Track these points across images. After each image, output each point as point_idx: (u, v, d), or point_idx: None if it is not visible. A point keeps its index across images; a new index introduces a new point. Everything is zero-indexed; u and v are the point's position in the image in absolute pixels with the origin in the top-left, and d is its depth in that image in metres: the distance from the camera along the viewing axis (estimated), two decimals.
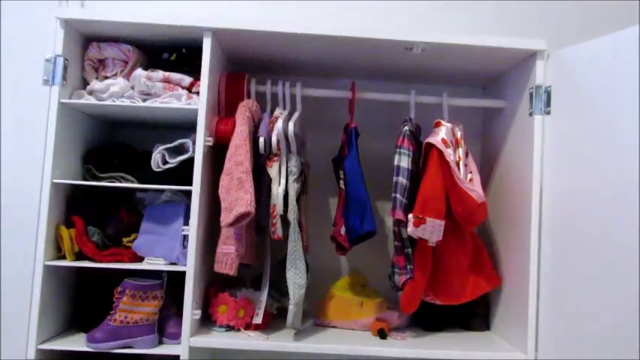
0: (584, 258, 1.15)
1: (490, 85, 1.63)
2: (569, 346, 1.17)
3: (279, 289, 1.38)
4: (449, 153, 1.28)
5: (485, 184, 1.49)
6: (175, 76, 1.32)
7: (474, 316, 1.47)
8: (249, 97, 1.40)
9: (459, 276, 1.36)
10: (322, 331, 1.38)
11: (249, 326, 1.33)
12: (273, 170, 1.33)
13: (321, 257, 1.53)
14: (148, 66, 1.40)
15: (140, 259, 1.33)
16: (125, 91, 1.32)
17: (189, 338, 1.22)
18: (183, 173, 1.28)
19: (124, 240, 1.35)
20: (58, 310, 1.32)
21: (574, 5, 1.71)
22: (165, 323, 1.33)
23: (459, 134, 1.36)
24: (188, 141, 1.31)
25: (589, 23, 1.68)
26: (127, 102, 1.31)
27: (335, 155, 1.49)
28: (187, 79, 1.33)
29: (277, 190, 1.31)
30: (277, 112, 1.38)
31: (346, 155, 1.38)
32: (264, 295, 1.33)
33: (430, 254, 1.32)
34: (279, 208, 1.29)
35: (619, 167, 1.10)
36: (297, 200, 1.31)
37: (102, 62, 1.39)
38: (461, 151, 1.34)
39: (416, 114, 1.41)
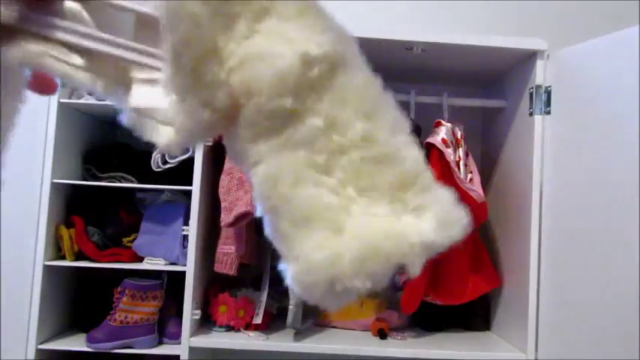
0: (585, 258, 1.15)
1: (490, 85, 1.63)
2: (569, 347, 1.17)
3: (279, 289, 1.39)
4: (449, 153, 1.28)
5: (485, 184, 1.49)
6: None
7: (474, 316, 1.47)
8: None
9: (459, 276, 1.36)
10: (322, 331, 1.38)
11: (249, 326, 1.33)
12: None
13: None
14: None
15: (140, 259, 1.33)
16: None
17: (189, 338, 1.22)
18: (183, 173, 1.28)
19: (124, 240, 1.35)
20: (58, 310, 1.32)
21: (574, 5, 1.71)
22: (166, 323, 1.33)
23: (459, 134, 1.36)
24: None
25: (589, 23, 1.68)
26: None
27: None
28: None
29: None
30: None
31: None
32: (264, 295, 1.33)
33: None
34: None
35: (619, 167, 1.10)
36: None
37: None
38: (461, 151, 1.34)
39: (416, 114, 1.41)
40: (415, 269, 0.26)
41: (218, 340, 1.27)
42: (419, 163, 0.29)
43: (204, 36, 0.26)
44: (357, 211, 0.26)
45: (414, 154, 0.29)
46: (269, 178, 0.27)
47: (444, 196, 0.29)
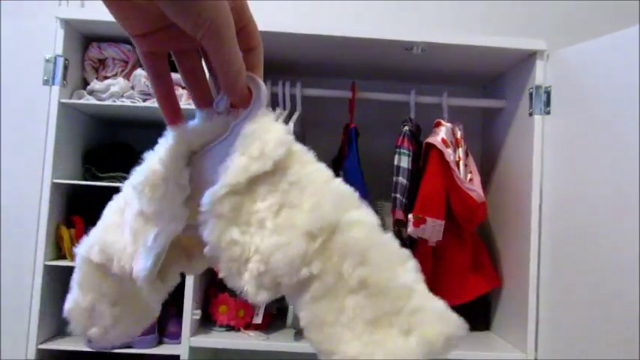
0: (584, 258, 1.15)
1: (490, 85, 1.63)
2: (569, 346, 1.17)
3: None
4: (449, 153, 1.28)
5: (485, 184, 1.49)
6: (175, 76, 1.32)
7: (474, 316, 1.47)
8: None
9: (458, 276, 1.36)
10: None
11: (249, 326, 1.33)
12: None
13: None
14: None
15: None
16: (125, 91, 1.32)
17: (189, 338, 1.23)
18: None
19: None
20: (58, 310, 1.32)
21: (574, 5, 1.71)
22: (166, 323, 1.33)
23: (459, 134, 1.36)
24: None
25: (589, 23, 1.68)
26: (127, 102, 1.31)
27: (335, 155, 1.49)
28: None
29: None
30: (277, 112, 1.38)
31: (346, 155, 1.38)
32: None
33: (430, 254, 1.32)
34: None
35: (619, 167, 1.10)
36: None
37: (102, 62, 1.39)
38: (461, 151, 1.35)
39: (416, 114, 1.41)
40: None
41: (218, 340, 1.27)
42: (408, 289, 0.36)
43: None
44: (365, 340, 0.35)
45: (404, 281, 0.36)
46: (306, 323, 0.36)
47: (430, 313, 0.36)
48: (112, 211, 0.44)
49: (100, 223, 0.44)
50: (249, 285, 0.36)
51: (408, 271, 0.37)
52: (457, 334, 0.36)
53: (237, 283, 0.37)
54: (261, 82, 0.40)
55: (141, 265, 0.40)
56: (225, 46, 0.36)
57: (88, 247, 0.43)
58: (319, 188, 0.37)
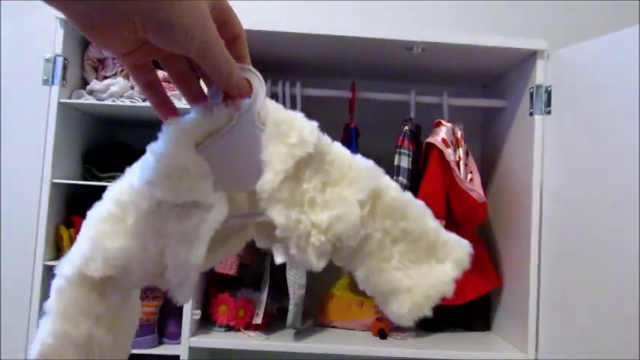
0: (585, 258, 1.15)
1: (490, 85, 1.63)
2: (570, 346, 1.17)
3: (279, 289, 1.39)
4: (449, 153, 1.28)
5: (486, 184, 1.49)
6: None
7: (474, 316, 1.47)
8: None
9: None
10: (322, 331, 1.38)
11: (249, 326, 1.33)
12: None
13: None
14: None
15: None
16: (125, 91, 1.32)
17: (189, 338, 1.22)
18: None
19: None
20: None
21: (574, 5, 1.71)
22: (166, 323, 1.33)
23: (459, 134, 1.36)
24: None
25: (589, 23, 1.68)
26: (126, 102, 1.31)
27: None
28: None
29: None
30: None
31: None
32: (264, 295, 1.33)
33: None
34: None
35: (619, 167, 1.10)
36: None
37: (102, 62, 1.39)
38: (461, 151, 1.34)
39: (416, 114, 1.41)
40: (450, 295, 0.46)
41: (218, 340, 1.27)
42: (436, 230, 0.45)
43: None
44: (413, 275, 0.44)
45: (432, 225, 0.45)
46: (364, 275, 0.44)
47: (454, 242, 0.46)
48: (97, 220, 0.40)
49: (85, 236, 0.40)
50: (312, 256, 0.41)
51: (431, 217, 0.46)
52: (471, 251, 0.46)
53: (303, 257, 0.41)
54: (256, 71, 0.42)
55: (190, 252, 0.38)
56: (215, 56, 0.37)
57: (80, 263, 0.39)
58: (351, 164, 0.43)
